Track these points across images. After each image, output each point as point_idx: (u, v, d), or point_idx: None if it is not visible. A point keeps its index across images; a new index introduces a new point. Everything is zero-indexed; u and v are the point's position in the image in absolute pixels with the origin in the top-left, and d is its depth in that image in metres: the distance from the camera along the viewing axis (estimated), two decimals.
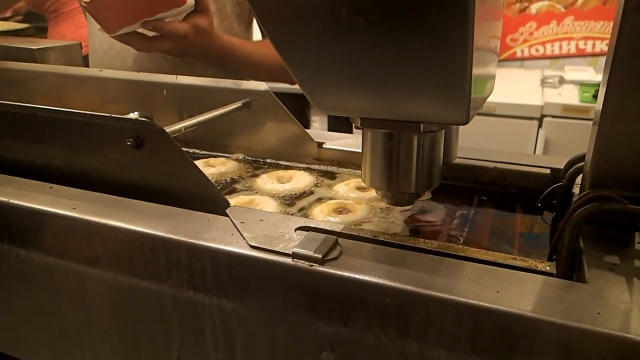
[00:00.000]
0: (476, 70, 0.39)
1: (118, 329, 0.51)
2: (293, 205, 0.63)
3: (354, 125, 0.48)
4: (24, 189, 0.54)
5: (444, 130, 0.48)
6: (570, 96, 1.91)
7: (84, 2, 0.83)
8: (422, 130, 0.44)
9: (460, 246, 0.44)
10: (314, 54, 0.41)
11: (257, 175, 0.72)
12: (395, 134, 0.46)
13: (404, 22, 0.36)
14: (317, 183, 0.69)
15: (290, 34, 0.40)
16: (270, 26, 0.41)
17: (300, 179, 0.69)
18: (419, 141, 0.46)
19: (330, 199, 0.64)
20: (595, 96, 1.83)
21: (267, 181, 0.69)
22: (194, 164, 0.51)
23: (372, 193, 0.63)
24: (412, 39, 0.36)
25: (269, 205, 0.62)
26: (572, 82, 2.08)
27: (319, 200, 0.64)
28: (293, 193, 0.66)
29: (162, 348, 0.49)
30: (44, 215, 0.50)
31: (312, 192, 0.66)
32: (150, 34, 0.86)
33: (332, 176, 0.71)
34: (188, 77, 0.78)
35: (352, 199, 0.63)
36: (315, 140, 0.73)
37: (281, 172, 0.71)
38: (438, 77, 0.38)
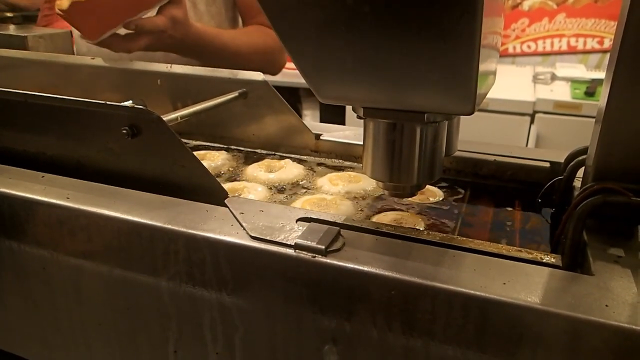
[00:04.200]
0: (481, 63, 0.38)
1: (113, 321, 0.50)
2: (282, 193, 0.62)
3: (356, 115, 0.47)
4: (16, 177, 0.52)
5: (446, 122, 0.47)
6: (561, 93, 1.92)
7: (59, 10, 0.76)
8: (425, 120, 0.44)
9: (464, 238, 0.43)
10: (317, 42, 0.40)
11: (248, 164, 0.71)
12: (398, 124, 0.45)
13: (411, 11, 0.35)
14: (307, 175, 0.68)
15: (294, 22, 0.39)
16: (274, 13, 0.40)
17: (289, 170, 0.68)
18: (422, 132, 0.45)
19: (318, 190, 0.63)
20: (586, 93, 1.84)
21: (255, 169, 0.68)
22: (192, 153, 0.50)
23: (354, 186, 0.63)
24: (420, 28, 0.36)
25: (258, 193, 0.61)
26: (564, 78, 2.09)
27: (306, 192, 0.64)
28: (280, 184, 0.65)
29: (158, 341, 0.48)
30: (36, 204, 0.49)
31: (298, 184, 0.66)
32: (124, 31, 0.82)
33: (327, 168, 0.70)
34: (183, 66, 0.76)
35: (335, 194, 0.62)
36: (313, 132, 0.72)
37: (273, 162, 0.70)
38: (445, 66, 0.37)
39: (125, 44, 0.83)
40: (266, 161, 0.70)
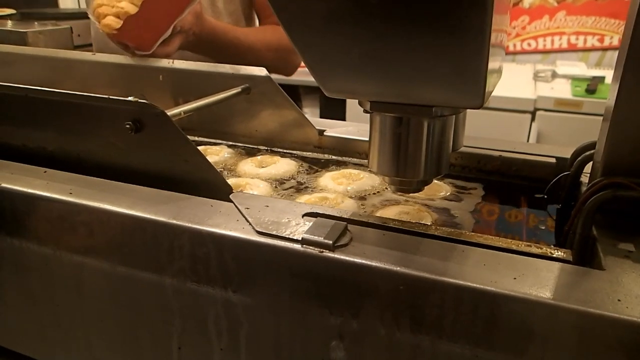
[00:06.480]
0: (490, 60, 0.37)
1: (116, 318, 0.49)
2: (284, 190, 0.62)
3: (362, 109, 0.47)
4: (17, 173, 0.52)
5: (454, 116, 0.47)
6: (562, 90, 1.92)
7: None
8: (433, 114, 0.43)
9: (473, 233, 0.43)
10: (324, 34, 0.40)
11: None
12: (405, 118, 0.44)
13: (420, 4, 0.34)
14: (299, 171, 0.68)
15: (300, 14, 0.39)
16: (280, 5, 0.39)
17: (280, 166, 0.68)
18: (429, 126, 0.45)
19: (321, 189, 0.63)
20: (587, 90, 1.84)
21: (247, 164, 0.68)
22: (196, 148, 0.49)
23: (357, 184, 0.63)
24: (429, 21, 0.35)
25: (260, 189, 0.61)
26: (564, 76, 2.09)
27: (303, 188, 0.63)
28: (270, 179, 0.65)
29: (162, 337, 0.48)
30: (38, 200, 0.48)
31: (293, 179, 0.66)
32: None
33: (325, 164, 0.70)
34: (185, 61, 0.76)
35: (338, 192, 0.61)
36: (316, 127, 0.72)
37: (266, 157, 0.70)
38: (454, 60, 0.37)
39: (164, 49, 0.84)
40: (259, 156, 0.70)
